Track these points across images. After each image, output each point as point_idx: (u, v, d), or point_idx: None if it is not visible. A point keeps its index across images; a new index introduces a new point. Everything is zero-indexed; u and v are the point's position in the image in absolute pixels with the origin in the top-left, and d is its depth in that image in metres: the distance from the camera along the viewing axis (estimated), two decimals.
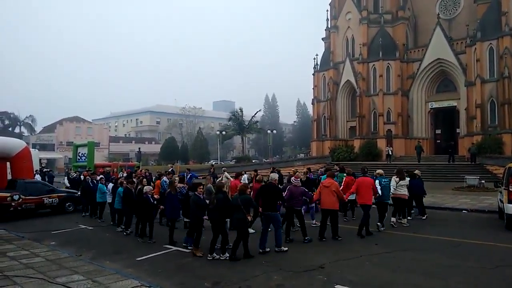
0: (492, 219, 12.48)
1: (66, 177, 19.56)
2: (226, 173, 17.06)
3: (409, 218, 12.31)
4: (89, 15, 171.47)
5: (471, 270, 7.14)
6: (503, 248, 8.84)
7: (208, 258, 8.09)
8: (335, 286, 6.25)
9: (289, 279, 6.72)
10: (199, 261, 8.06)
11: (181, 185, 11.35)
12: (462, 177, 22.78)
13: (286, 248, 8.73)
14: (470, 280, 6.54)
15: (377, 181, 10.76)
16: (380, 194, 10.64)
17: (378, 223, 10.75)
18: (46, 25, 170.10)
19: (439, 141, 37.33)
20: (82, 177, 17.21)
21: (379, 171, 11.43)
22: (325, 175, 11.49)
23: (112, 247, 9.62)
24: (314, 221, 11.54)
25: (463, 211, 14.28)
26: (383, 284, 6.35)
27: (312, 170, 16.27)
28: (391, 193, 11.17)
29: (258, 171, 15.42)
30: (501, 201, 11.37)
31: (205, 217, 8.57)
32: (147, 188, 10.41)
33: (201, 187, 8.90)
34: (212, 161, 58.20)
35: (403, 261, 7.81)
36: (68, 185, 18.28)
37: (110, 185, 13.26)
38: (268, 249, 8.65)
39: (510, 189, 10.30)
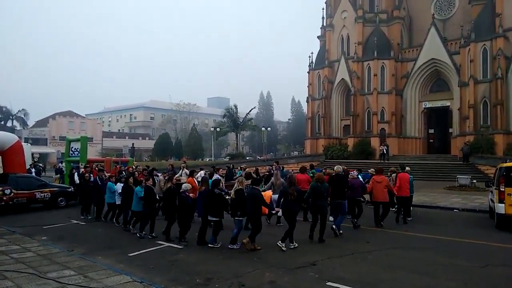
0: (483, 219, 12.62)
1: (76, 173, 18.47)
2: (185, 169, 16.67)
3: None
4: (84, 9, 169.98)
5: (461, 268, 7.22)
6: (493, 247, 8.96)
7: (291, 246, 8.48)
8: (327, 283, 6.29)
9: (281, 275, 6.75)
10: (191, 257, 8.05)
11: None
12: (454, 176, 23.00)
13: (341, 231, 9.85)
14: (460, 278, 6.61)
15: None
16: None
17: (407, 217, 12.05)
18: (39, 18, 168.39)
19: (432, 140, 37.61)
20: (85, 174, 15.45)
21: (408, 168, 12.88)
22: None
23: (104, 243, 9.58)
24: None
25: (455, 210, 14.44)
26: (374, 282, 6.40)
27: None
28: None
29: (216, 167, 16.39)
30: (492, 201, 11.53)
31: (277, 209, 8.95)
32: (186, 186, 9.53)
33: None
34: (207, 158, 58.15)
35: (394, 258, 7.88)
36: (79, 182, 17.01)
37: (119, 185, 11.67)
38: (341, 231, 9.80)
39: (501, 189, 10.43)
